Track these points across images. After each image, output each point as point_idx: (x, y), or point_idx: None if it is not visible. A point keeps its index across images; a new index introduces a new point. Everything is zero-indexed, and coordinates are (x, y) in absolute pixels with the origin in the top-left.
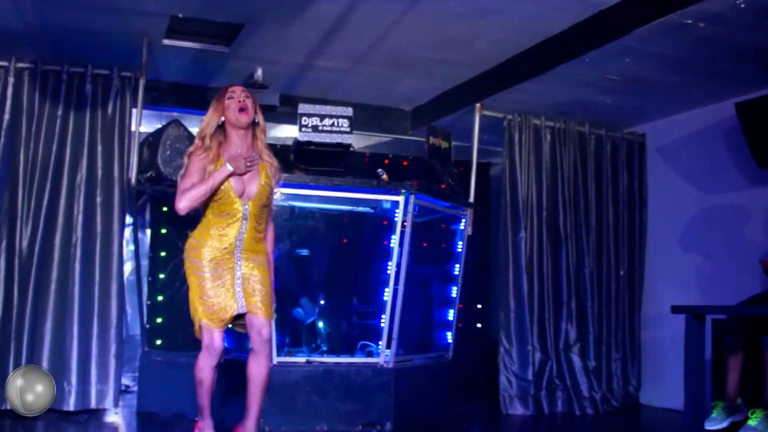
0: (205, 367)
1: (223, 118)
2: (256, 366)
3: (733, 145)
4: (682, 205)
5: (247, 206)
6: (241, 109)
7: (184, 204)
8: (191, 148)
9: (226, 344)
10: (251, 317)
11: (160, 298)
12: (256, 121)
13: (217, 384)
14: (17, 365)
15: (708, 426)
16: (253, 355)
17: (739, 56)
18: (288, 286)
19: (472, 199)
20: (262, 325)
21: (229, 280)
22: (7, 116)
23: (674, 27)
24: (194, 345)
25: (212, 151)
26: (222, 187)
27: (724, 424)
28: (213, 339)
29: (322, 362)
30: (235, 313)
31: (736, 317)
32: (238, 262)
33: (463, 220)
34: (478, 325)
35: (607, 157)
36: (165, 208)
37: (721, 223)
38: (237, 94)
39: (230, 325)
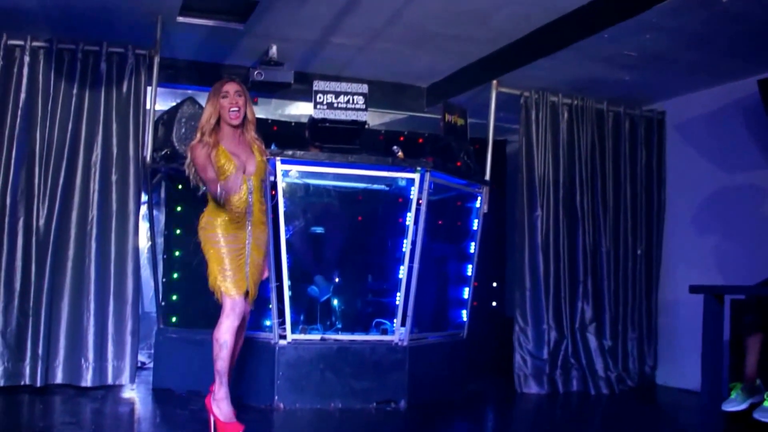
0: (230, 329)
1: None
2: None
3: (754, 123)
4: (701, 183)
5: (251, 181)
6: (233, 110)
7: (222, 193)
8: (193, 142)
9: None
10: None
11: (175, 275)
12: (246, 115)
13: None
14: (35, 342)
15: (726, 407)
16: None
17: (762, 32)
18: (303, 263)
19: (488, 176)
20: (247, 309)
21: (242, 259)
22: (23, 95)
23: (696, 2)
24: (209, 322)
25: (211, 140)
26: (228, 169)
27: (744, 406)
28: (236, 302)
29: (336, 340)
30: (246, 289)
31: (755, 297)
32: (249, 239)
33: (479, 198)
34: (494, 304)
35: (625, 134)
36: (180, 186)
37: (741, 203)
38: (230, 95)
39: None
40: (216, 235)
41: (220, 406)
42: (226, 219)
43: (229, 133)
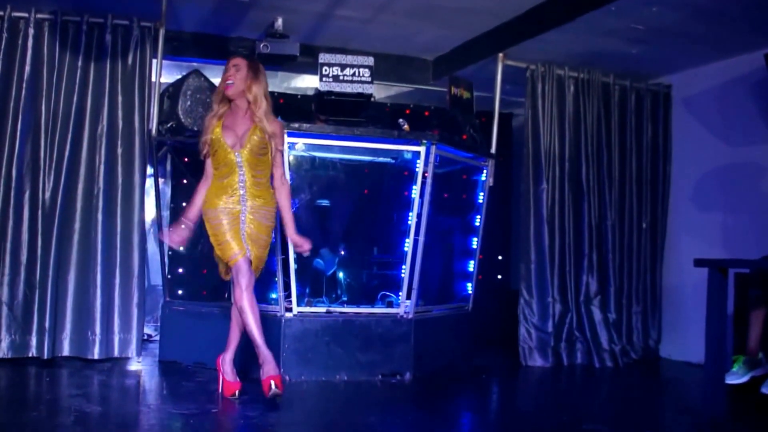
0: (243, 293)
1: None
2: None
3: (761, 97)
4: (706, 157)
5: (239, 155)
6: (228, 83)
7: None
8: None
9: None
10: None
11: (181, 248)
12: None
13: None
14: (42, 315)
15: (729, 380)
16: None
17: None
18: (309, 236)
19: (493, 149)
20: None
21: (237, 227)
22: (27, 68)
23: None
24: (215, 295)
25: (217, 115)
26: (216, 143)
27: (745, 379)
28: (239, 265)
29: (342, 312)
30: (248, 254)
31: (760, 271)
32: (243, 214)
33: (485, 171)
34: (499, 277)
35: (631, 108)
36: (186, 159)
37: (747, 177)
38: (228, 68)
39: None
40: (212, 210)
41: (265, 367)
42: (221, 192)
43: (234, 109)
